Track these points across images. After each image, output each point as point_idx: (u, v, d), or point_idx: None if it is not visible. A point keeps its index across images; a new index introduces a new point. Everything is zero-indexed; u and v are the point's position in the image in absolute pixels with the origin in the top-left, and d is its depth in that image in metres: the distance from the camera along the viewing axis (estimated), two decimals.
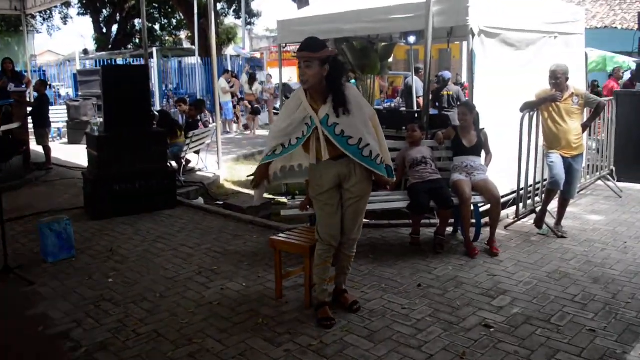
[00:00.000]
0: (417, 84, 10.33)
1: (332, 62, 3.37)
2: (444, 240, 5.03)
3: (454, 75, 12.24)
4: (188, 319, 3.80)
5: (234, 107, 15.90)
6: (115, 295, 4.24)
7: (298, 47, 3.47)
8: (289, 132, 3.46)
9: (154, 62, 17.15)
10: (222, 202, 7.41)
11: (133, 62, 18.68)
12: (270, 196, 7.80)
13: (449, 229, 5.58)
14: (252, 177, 3.73)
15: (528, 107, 5.63)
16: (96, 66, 17.76)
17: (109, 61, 19.35)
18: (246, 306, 3.97)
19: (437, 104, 9.90)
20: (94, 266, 4.91)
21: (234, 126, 16.22)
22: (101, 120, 8.01)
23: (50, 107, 10.95)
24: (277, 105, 18.39)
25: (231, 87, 15.69)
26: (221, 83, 14.85)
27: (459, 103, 8.67)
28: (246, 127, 16.03)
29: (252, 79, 16.51)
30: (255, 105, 15.89)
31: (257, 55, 28.36)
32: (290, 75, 26.31)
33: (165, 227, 6.13)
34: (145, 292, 4.29)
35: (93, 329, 3.67)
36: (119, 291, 4.31)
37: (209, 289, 4.31)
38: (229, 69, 17.60)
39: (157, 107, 15.95)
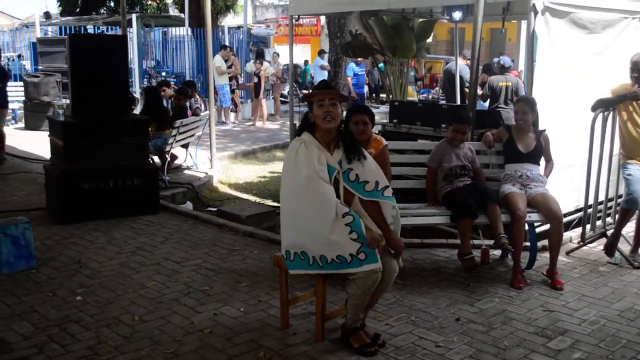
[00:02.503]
0: (462, 71, 10.43)
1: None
2: (506, 236, 5.00)
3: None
4: (174, 348, 3.91)
5: (232, 92, 16.10)
6: (85, 316, 4.37)
7: (316, 87, 4.04)
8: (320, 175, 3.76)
9: (133, 32, 17.35)
10: (215, 209, 7.57)
11: (107, 30, 18.95)
12: (275, 203, 7.93)
13: (496, 253, 5.68)
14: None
15: (602, 106, 5.71)
16: (61, 34, 18.05)
17: (77, 29, 19.65)
18: (244, 336, 4.08)
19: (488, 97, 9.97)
20: (58, 280, 5.05)
21: (231, 115, 16.43)
22: (67, 102, 8.17)
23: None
24: (285, 91, 18.55)
25: (229, 66, 15.89)
26: (216, 62, 15.04)
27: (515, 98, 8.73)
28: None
29: (259, 57, 16.70)
30: (254, 82, 16.10)
31: (263, 30, 28.53)
32: (303, 54, 26.41)
33: (145, 236, 6.27)
34: (121, 314, 4.41)
35: (58, 356, 3.80)
36: (90, 312, 4.44)
37: (199, 314, 4.43)
38: (227, 44, 17.80)
39: (136, 87, 16.15)
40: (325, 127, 3.81)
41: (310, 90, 4.06)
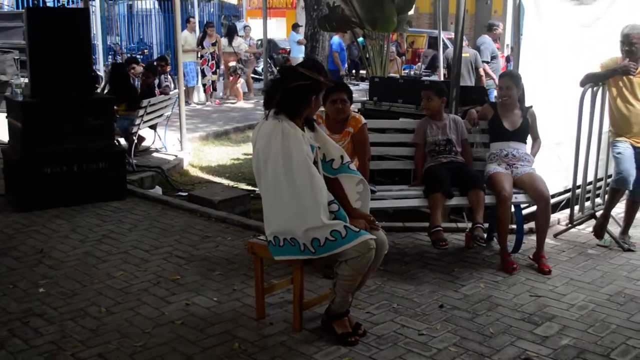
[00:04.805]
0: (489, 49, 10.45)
1: None
2: (483, 229, 5.07)
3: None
4: (143, 341, 3.92)
5: (214, 72, 15.93)
6: (48, 309, 4.35)
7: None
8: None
9: (95, 5, 17.14)
10: (185, 194, 7.55)
11: (67, 4, 18.68)
12: (249, 187, 7.94)
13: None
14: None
15: (591, 81, 5.73)
16: (17, 8, 17.75)
17: (35, 2, 19.31)
18: (218, 327, 4.10)
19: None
20: (19, 271, 5.02)
21: (198, 96, 16.23)
22: (26, 81, 8.06)
23: None
24: (259, 68, 18.42)
25: (213, 43, 15.62)
26: (186, 37, 14.88)
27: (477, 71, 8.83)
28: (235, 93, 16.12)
29: (231, 33, 16.52)
30: (232, 64, 15.94)
31: (233, 0, 28.34)
32: (278, 28, 26.21)
33: (112, 223, 6.25)
34: (87, 306, 4.40)
35: (20, 352, 3.78)
36: (53, 304, 4.42)
37: (169, 304, 4.44)
38: (193, 16, 17.60)
39: (100, 65, 15.98)
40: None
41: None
